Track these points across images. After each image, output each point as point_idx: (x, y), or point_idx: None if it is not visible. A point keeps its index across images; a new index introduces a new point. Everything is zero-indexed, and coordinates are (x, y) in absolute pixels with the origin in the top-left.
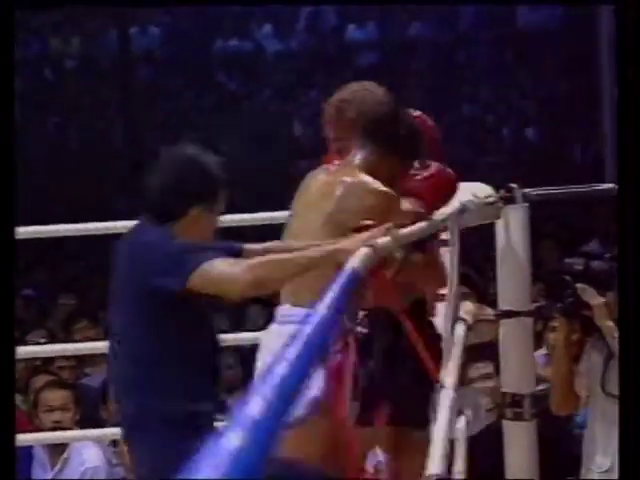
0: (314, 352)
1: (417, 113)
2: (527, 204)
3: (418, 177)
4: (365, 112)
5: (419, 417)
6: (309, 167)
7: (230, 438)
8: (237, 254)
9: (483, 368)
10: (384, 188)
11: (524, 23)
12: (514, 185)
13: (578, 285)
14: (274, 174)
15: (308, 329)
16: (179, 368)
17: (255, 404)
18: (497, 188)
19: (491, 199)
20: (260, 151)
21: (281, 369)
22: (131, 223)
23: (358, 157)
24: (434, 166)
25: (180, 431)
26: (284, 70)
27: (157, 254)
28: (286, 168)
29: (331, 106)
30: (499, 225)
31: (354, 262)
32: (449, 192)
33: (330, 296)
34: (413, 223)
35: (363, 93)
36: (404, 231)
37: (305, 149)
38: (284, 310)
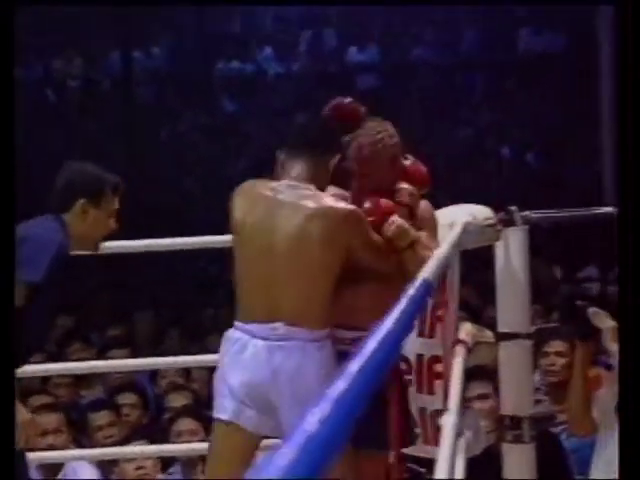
0: (376, 368)
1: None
2: (526, 226)
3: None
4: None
5: (376, 438)
6: None
7: (284, 453)
8: None
9: (480, 388)
10: (348, 207)
11: (525, 48)
12: (513, 207)
13: (591, 309)
14: None
15: (373, 343)
16: None
17: (312, 419)
18: (496, 210)
19: (490, 221)
20: (257, 172)
21: (341, 384)
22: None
23: (296, 171)
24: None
25: None
26: (284, 92)
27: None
28: None
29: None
30: (498, 247)
31: (426, 272)
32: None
33: (399, 309)
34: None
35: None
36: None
37: None
38: (278, 328)
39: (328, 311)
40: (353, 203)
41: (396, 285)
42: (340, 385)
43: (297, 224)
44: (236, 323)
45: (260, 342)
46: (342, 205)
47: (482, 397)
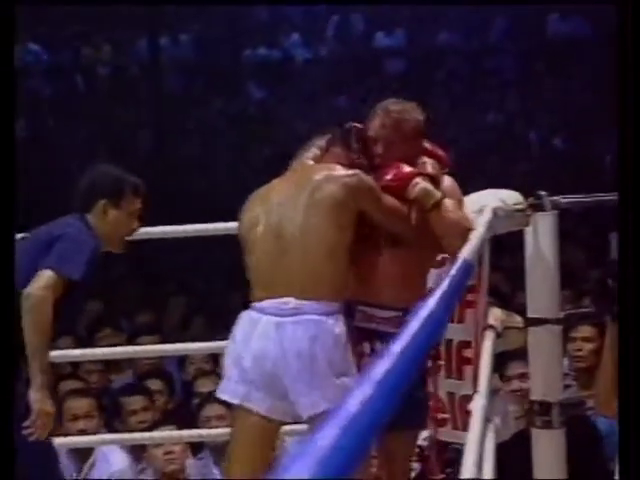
0: (420, 349)
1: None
2: (556, 212)
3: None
4: None
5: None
6: None
7: (325, 435)
8: None
9: (521, 368)
10: (352, 172)
11: (553, 33)
12: (543, 192)
13: None
14: None
15: (416, 324)
16: None
17: (354, 399)
18: (526, 195)
19: (520, 206)
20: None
21: (383, 365)
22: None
23: (311, 156)
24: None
25: None
26: (312, 78)
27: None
28: None
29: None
30: (528, 233)
31: (465, 253)
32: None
33: (442, 289)
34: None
35: None
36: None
37: None
38: (288, 303)
39: (342, 283)
40: (375, 171)
41: (427, 264)
42: (382, 366)
43: (304, 195)
44: (250, 305)
45: (272, 318)
46: (346, 171)
47: (522, 376)
